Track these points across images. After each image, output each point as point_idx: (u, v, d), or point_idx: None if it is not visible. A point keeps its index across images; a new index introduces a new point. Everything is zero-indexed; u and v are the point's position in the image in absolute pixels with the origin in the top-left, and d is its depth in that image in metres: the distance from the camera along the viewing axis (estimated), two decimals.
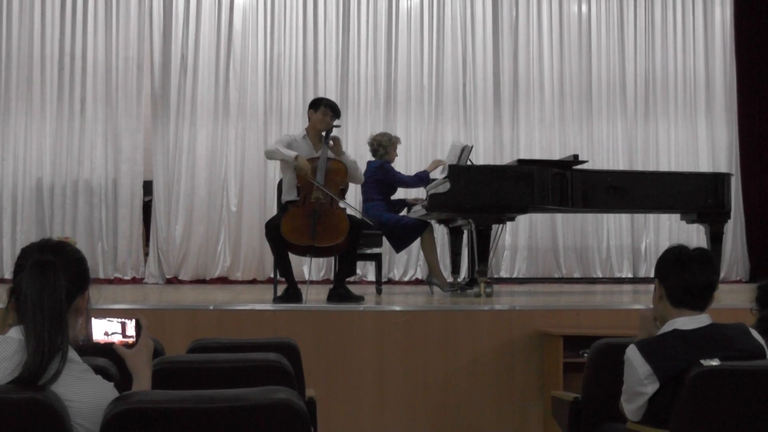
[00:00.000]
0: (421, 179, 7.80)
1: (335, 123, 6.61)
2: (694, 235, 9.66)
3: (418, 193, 8.91)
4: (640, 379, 2.98)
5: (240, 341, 3.75)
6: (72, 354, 2.33)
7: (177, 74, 10.16)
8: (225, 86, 10.24)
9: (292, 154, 6.36)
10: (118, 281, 9.83)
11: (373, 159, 7.84)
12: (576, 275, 10.58)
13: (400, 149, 10.09)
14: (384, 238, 7.48)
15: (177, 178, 10.07)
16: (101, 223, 9.95)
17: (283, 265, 6.38)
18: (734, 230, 10.70)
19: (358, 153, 8.07)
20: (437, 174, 7.71)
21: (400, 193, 9.49)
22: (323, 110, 6.54)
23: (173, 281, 9.91)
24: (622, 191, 7.19)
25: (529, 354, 5.79)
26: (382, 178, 7.62)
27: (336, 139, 6.53)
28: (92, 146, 10.02)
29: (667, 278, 3.09)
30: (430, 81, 10.57)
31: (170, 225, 10.02)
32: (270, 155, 6.57)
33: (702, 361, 2.86)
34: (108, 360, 2.71)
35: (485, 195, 6.73)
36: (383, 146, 7.81)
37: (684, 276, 3.05)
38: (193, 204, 10.08)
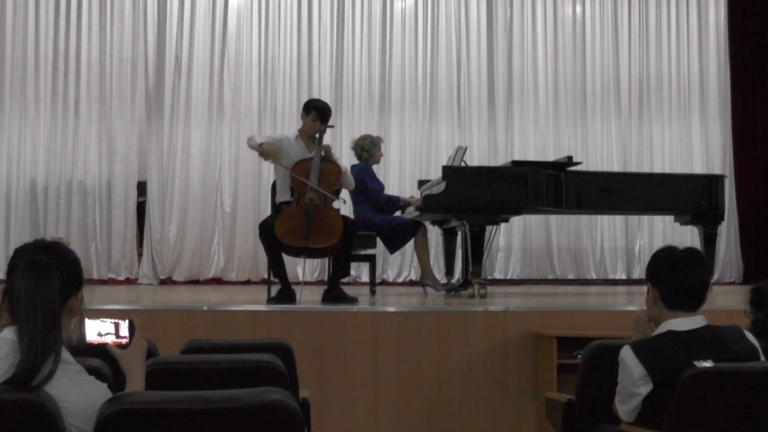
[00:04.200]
0: (389, 203, 7.79)
1: (329, 125, 6.61)
2: (688, 237, 9.67)
3: (414, 193, 8.90)
4: (634, 379, 2.98)
5: (234, 342, 3.75)
6: (65, 354, 2.33)
7: (171, 75, 10.15)
8: (219, 87, 10.23)
9: (260, 140, 6.40)
10: (112, 282, 9.82)
11: (356, 163, 7.82)
12: (570, 276, 10.59)
13: (394, 150, 10.21)
14: (378, 239, 7.49)
15: (171, 178, 10.06)
16: (95, 223, 9.94)
17: (276, 266, 6.38)
18: (728, 232, 10.73)
19: (352, 155, 8.05)
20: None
21: (395, 189, 9.51)
22: (313, 116, 6.53)
23: (167, 282, 9.90)
24: (616, 193, 7.20)
25: (522, 355, 5.79)
26: (362, 180, 7.58)
27: (327, 147, 6.53)
28: (86, 147, 10.00)
29: (660, 281, 3.09)
30: (425, 82, 10.57)
31: (164, 226, 10.00)
32: (248, 142, 6.57)
33: (695, 363, 2.86)
34: (101, 360, 2.70)
35: (479, 196, 6.74)
36: (366, 150, 7.81)
37: (677, 278, 3.05)
38: (187, 205, 10.07)
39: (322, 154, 6.45)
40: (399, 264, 10.25)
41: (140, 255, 10.10)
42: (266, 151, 6.36)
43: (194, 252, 10.04)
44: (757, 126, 11.03)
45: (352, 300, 6.30)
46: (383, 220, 7.54)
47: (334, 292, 6.38)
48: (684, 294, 3.05)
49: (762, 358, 3.07)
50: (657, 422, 2.93)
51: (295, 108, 9.80)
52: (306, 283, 6.78)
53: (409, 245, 8.00)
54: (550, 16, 10.90)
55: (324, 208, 6.28)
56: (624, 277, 10.69)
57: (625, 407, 3.05)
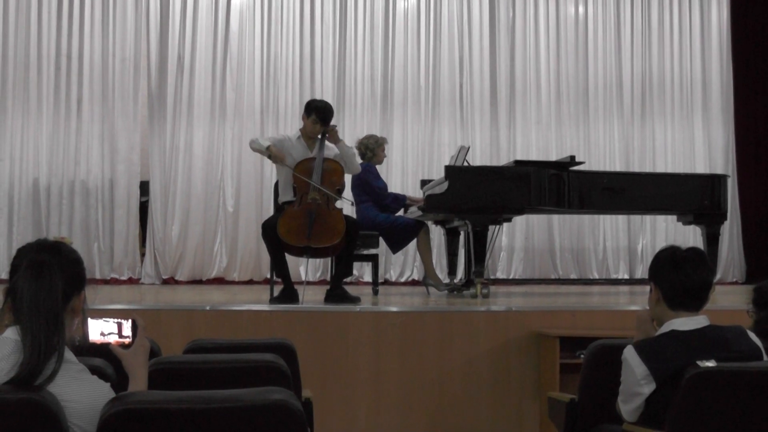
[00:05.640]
0: (395, 200, 7.82)
1: (332, 124, 6.59)
2: (691, 237, 9.67)
3: (416, 192, 8.90)
4: (636, 379, 2.98)
5: (236, 342, 3.75)
6: (68, 354, 2.33)
7: (174, 74, 10.15)
8: (222, 86, 10.23)
9: (266, 143, 6.40)
10: (115, 281, 9.82)
11: (360, 162, 7.83)
12: (572, 276, 10.58)
13: (396, 150, 10.20)
14: (381, 239, 7.49)
15: (173, 178, 10.06)
16: (98, 223, 9.94)
17: (279, 266, 6.38)
18: (730, 232, 10.71)
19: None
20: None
21: (398, 189, 9.50)
22: (313, 118, 6.53)
23: (170, 282, 9.90)
24: (619, 192, 7.20)
25: (525, 355, 5.79)
26: (366, 179, 7.61)
27: (332, 129, 6.52)
28: (89, 146, 10.00)
29: (663, 281, 3.09)
30: (427, 81, 10.57)
31: (167, 225, 10.00)
32: (251, 144, 6.60)
33: (698, 362, 2.86)
34: (104, 360, 2.71)
35: (482, 196, 6.73)
36: (370, 149, 7.82)
37: (680, 278, 3.05)
38: (189, 204, 10.07)
39: (328, 135, 6.46)
40: (401, 264, 10.25)
41: (143, 255, 10.10)
42: (273, 153, 6.38)
43: (197, 252, 10.04)
44: (759, 125, 11.03)
45: (355, 300, 6.30)
46: (386, 220, 7.54)
47: (336, 292, 6.38)
48: (686, 294, 3.05)
49: (765, 357, 3.06)
50: (660, 422, 2.93)
51: (298, 107, 9.80)
52: (309, 282, 6.77)
53: (412, 245, 8.00)
54: (553, 15, 10.90)
55: (326, 207, 6.28)
56: (626, 276, 10.68)
57: (628, 407, 3.05)
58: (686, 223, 7.72)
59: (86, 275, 2.50)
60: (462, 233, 8.07)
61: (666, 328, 3.06)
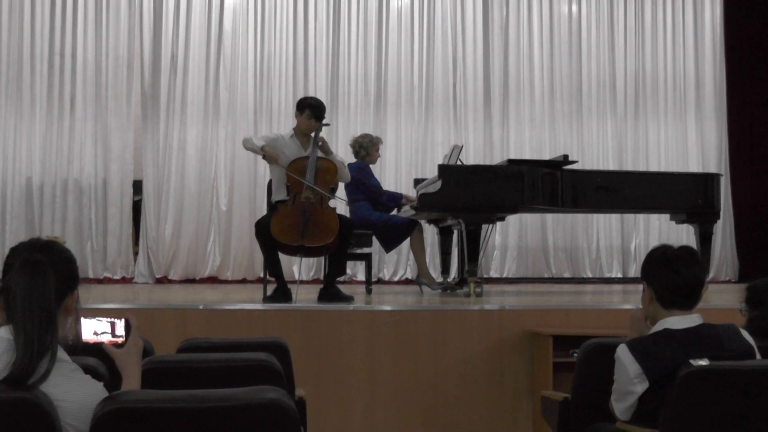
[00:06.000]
0: (392, 198, 7.83)
1: (324, 122, 6.60)
2: (684, 236, 9.69)
3: (410, 192, 8.91)
4: (629, 378, 2.98)
5: (230, 341, 3.75)
6: (61, 353, 2.33)
7: (167, 73, 10.14)
8: (215, 85, 10.22)
9: (259, 143, 6.41)
10: (108, 281, 9.80)
11: (354, 160, 7.84)
12: (566, 275, 10.59)
13: (390, 149, 10.20)
14: (374, 238, 7.49)
15: (167, 177, 10.04)
16: (91, 222, 9.92)
17: (273, 265, 6.38)
18: (723, 230, 10.73)
19: (347, 153, 8.08)
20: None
21: (391, 188, 9.50)
22: (307, 114, 6.54)
23: (163, 281, 9.89)
24: (612, 191, 7.20)
25: (518, 354, 5.79)
26: (360, 177, 7.62)
27: (322, 140, 6.53)
28: (82, 145, 9.98)
29: (656, 280, 3.10)
30: (421, 81, 10.57)
31: (160, 224, 9.99)
32: (244, 143, 6.63)
33: (691, 361, 2.87)
34: (97, 359, 2.70)
35: (475, 195, 6.73)
36: (364, 148, 7.82)
37: (672, 277, 3.06)
38: (183, 203, 10.06)
39: (319, 144, 6.45)
40: (395, 263, 10.25)
41: (136, 254, 10.09)
42: (268, 153, 6.39)
43: (190, 251, 10.03)
44: (752, 124, 11.04)
45: (348, 299, 6.30)
46: (379, 219, 7.54)
47: (330, 291, 6.38)
48: (679, 292, 3.06)
49: (758, 356, 3.07)
50: (653, 420, 2.93)
51: (291, 106, 9.73)
52: (302, 281, 6.78)
53: (405, 244, 8.00)
54: (546, 14, 10.90)
55: (320, 206, 6.28)
56: (620, 275, 10.69)
57: (621, 405, 3.06)
58: (679, 221, 7.73)
59: (79, 274, 2.49)
60: (455, 232, 8.07)
61: (659, 326, 3.06)
